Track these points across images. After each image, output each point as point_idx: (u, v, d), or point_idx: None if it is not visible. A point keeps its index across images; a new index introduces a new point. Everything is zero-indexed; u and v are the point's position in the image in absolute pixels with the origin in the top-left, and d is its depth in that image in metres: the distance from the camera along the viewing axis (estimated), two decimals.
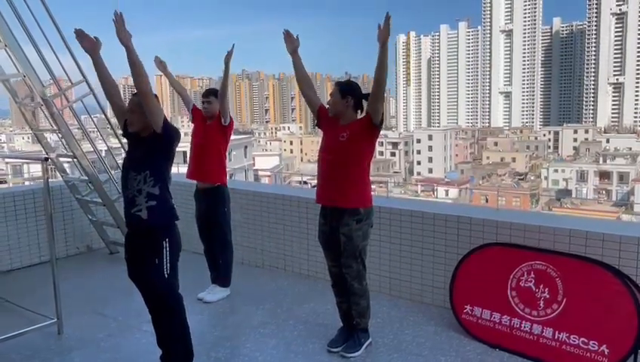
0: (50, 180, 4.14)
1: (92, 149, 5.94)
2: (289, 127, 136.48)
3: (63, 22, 5.37)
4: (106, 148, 6.86)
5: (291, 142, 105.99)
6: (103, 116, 6.19)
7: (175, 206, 3.27)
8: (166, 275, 3.14)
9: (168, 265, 3.14)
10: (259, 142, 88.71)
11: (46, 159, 4.09)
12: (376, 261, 4.56)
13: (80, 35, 3.23)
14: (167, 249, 3.13)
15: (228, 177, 4.87)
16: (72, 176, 6.14)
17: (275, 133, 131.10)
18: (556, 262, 3.60)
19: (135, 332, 4.08)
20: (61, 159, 6.04)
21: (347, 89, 3.57)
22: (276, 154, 60.76)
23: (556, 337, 3.51)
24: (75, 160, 5.78)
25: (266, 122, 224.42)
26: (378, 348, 3.75)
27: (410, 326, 4.07)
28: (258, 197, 5.56)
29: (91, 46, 3.22)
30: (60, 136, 5.75)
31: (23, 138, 66.53)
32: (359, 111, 3.61)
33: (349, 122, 3.55)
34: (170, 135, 3.14)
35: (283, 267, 5.40)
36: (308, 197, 5.11)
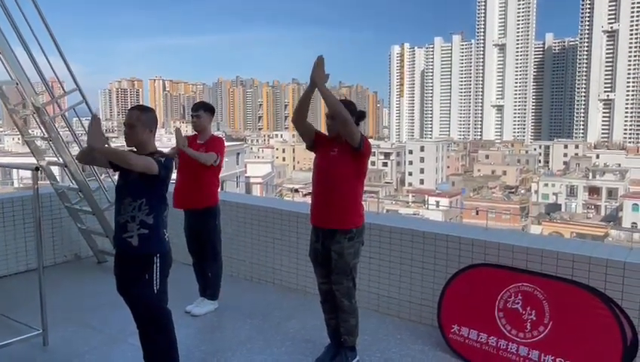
0: (39, 183, 4.10)
1: None
2: (282, 135, 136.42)
3: (55, 24, 5.35)
4: None
5: (284, 150, 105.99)
6: None
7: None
8: (155, 290, 3.13)
9: (158, 280, 3.12)
10: (251, 149, 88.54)
11: (37, 169, 4.06)
12: (365, 278, 4.56)
13: (96, 122, 3.08)
14: (158, 265, 3.12)
15: (219, 185, 4.82)
16: (62, 184, 6.09)
17: (268, 140, 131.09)
18: (543, 285, 3.63)
19: (121, 345, 4.05)
20: (51, 166, 6.00)
21: (348, 110, 3.53)
22: (268, 162, 60.67)
23: (542, 359, 3.52)
24: (65, 168, 5.75)
25: (259, 129, 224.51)
26: None
27: (397, 345, 4.07)
28: (249, 210, 5.55)
29: (98, 141, 3.09)
30: (50, 142, 5.71)
31: (13, 139, 66.07)
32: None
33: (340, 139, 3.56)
34: (167, 172, 3.13)
35: (272, 281, 5.39)
36: (299, 211, 5.12)
